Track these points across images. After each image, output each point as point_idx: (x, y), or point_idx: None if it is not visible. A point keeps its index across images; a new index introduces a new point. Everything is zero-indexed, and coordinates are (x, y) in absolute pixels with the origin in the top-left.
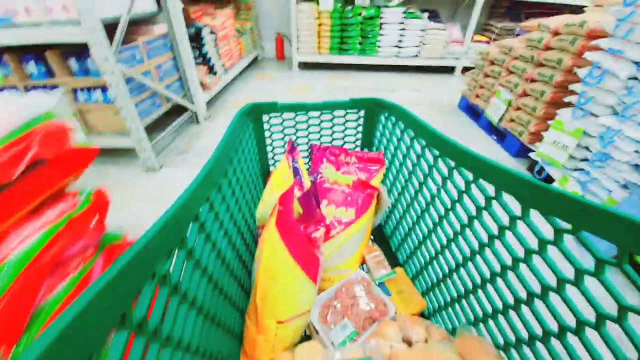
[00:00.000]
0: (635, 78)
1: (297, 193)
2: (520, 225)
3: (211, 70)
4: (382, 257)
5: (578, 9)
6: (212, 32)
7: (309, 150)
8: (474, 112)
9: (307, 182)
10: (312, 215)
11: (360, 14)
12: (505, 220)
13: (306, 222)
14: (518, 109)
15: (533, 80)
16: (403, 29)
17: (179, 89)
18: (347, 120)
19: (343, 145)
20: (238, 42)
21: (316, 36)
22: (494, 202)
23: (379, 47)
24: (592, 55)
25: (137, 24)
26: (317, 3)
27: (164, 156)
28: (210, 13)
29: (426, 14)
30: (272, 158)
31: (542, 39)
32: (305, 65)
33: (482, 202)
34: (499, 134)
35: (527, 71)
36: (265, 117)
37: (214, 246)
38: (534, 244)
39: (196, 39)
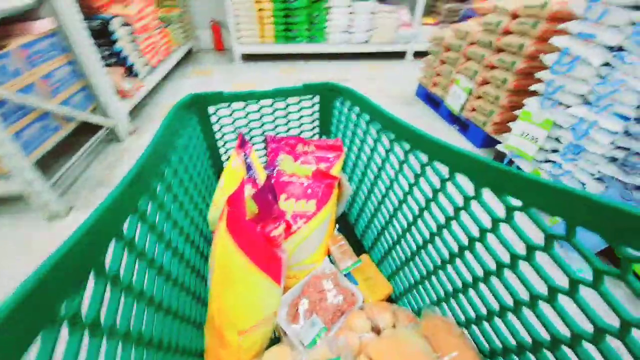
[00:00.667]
0: (609, 64)
1: (251, 190)
2: (475, 206)
3: (130, 71)
4: (347, 247)
5: None
6: (126, 24)
7: (264, 142)
8: (433, 100)
9: (262, 178)
10: (269, 213)
11: None
12: (460, 201)
13: (263, 221)
14: (479, 97)
15: (493, 67)
16: (352, 13)
17: (84, 101)
18: (302, 108)
19: (300, 134)
20: (164, 33)
21: (258, 23)
22: (449, 183)
23: (327, 33)
24: (560, 40)
25: (9, 23)
26: None
27: (75, 192)
28: (121, 0)
29: None
30: (225, 154)
31: (500, 22)
32: (249, 57)
33: (438, 185)
34: (461, 124)
35: (486, 57)
36: (211, 109)
37: (152, 263)
38: (488, 223)
39: (103, 34)
